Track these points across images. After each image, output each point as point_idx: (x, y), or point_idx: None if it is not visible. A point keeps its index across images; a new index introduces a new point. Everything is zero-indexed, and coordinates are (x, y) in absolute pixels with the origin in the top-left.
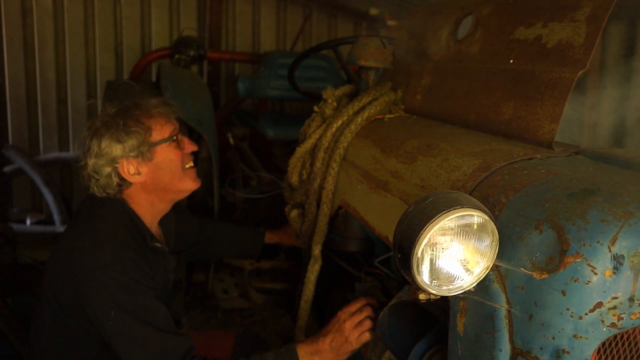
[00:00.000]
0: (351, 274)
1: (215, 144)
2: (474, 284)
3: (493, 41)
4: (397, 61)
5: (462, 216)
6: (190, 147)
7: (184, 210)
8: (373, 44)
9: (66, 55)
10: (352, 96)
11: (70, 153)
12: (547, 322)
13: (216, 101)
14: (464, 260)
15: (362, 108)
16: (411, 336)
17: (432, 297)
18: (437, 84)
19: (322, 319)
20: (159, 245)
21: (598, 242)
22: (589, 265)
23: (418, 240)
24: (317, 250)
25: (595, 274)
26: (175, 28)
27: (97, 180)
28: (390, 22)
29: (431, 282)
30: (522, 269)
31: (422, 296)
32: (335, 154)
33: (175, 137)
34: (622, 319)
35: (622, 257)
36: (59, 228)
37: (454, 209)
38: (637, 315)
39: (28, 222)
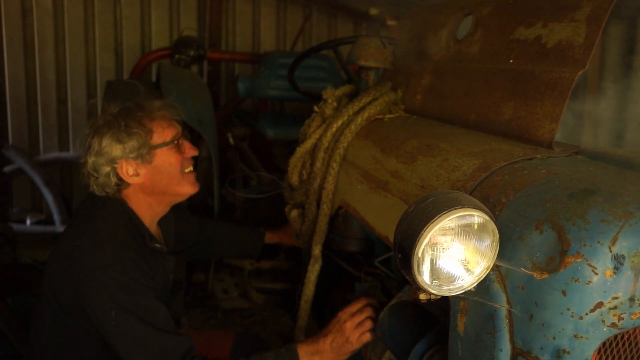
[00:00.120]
0: (351, 274)
1: (215, 144)
2: (475, 284)
3: (493, 41)
4: (397, 61)
5: (463, 216)
6: (191, 151)
7: (184, 211)
8: (373, 44)
9: (66, 55)
10: (352, 96)
11: (70, 153)
12: (547, 322)
13: (216, 101)
14: (465, 260)
15: (362, 108)
16: (411, 336)
17: (433, 297)
18: (437, 84)
19: (322, 319)
20: (158, 245)
21: (598, 242)
22: (589, 265)
23: (418, 240)
24: (317, 250)
25: (596, 274)
26: (175, 28)
27: (96, 178)
28: (390, 22)
29: (432, 282)
30: (522, 269)
31: (422, 296)
32: (335, 154)
33: (176, 141)
34: (623, 319)
35: (623, 257)
36: (59, 228)
37: (455, 209)
38: (638, 315)
39: (28, 222)
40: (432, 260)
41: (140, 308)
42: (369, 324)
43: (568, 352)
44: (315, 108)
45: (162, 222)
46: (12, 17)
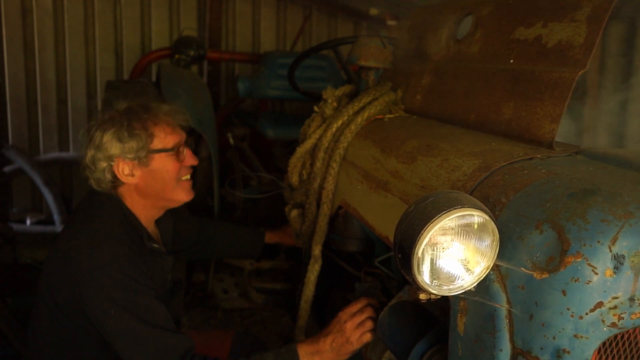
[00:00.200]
0: (351, 274)
1: (215, 144)
2: (475, 284)
3: (493, 41)
4: (397, 61)
5: (463, 216)
6: (190, 160)
7: (184, 210)
8: (373, 44)
9: (66, 55)
10: (352, 96)
11: (70, 153)
12: (547, 322)
13: (216, 101)
14: (465, 260)
15: (362, 108)
16: (411, 336)
17: (433, 297)
18: (437, 84)
19: (322, 319)
20: (156, 245)
21: (598, 241)
22: (589, 265)
23: (418, 240)
24: (317, 250)
25: (596, 273)
26: (175, 28)
27: (93, 172)
28: (390, 22)
29: (432, 282)
30: (522, 268)
31: (422, 296)
32: (335, 154)
33: (176, 149)
34: (623, 318)
35: (623, 256)
36: (59, 228)
37: (455, 209)
38: (638, 315)
39: (28, 222)
40: (432, 260)
41: (139, 307)
42: (369, 324)
43: (568, 352)
44: (315, 108)
45: (160, 222)
46: (12, 17)
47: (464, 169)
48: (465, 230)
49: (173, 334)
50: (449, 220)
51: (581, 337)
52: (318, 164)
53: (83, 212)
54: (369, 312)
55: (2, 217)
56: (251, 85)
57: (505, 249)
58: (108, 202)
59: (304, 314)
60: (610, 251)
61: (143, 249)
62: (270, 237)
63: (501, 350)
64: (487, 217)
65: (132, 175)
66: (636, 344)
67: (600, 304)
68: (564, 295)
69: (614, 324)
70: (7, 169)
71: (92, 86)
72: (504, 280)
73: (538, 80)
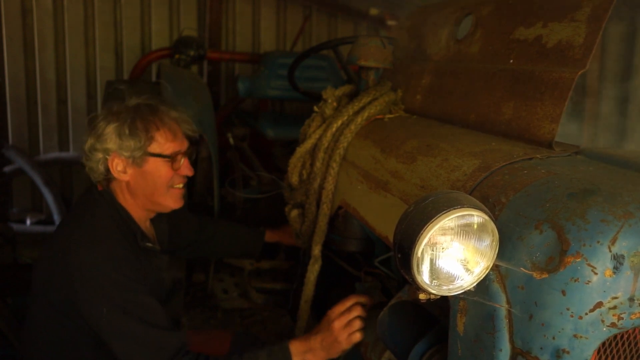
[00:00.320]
0: (351, 274)
1: (215, 144)
2: (474, 284)
3: (493, 41)
4: (397, 61)
5: (462, 216)
6: (186, 170)
7: (184, 209)
8: (373, 44)
9: (66, 55)
10: (352, 96)
11: (70, 153)
12: (547, 322)
13: (216, 101)
14: (464, 260)
15: (362, 108)
16: (411, 336)
17: (432, 297)
18: (437, 84)
19: (322, 319)
20: (149, 244)
21: (598, 242)
22: (589, 265)
23: (418, 240)
24: (317, 250)
25: (595, 273)
26: (175, 28)
27: (88, 160)
28: (390, 22)
29: (431, 282)
30: (522, 268)
31: (422, 296)
32: (335, 154)
33: (173, 157)
34: (622, 318)
35: (622, 257)
36: None
37: (454, 209)
38: (637, 315)
39: (28, 222)
40: (431, 260)
41: (132, 304)
42: (357, 324)
43: (568, 352)
44: (315, 108)
45: (155, 221)
46: (12, 17)
47: (463, 169)
48: (465, 230)
49: (166, 331)
50: (449, 220)
51: (581, 337)
52: (318, 164)
53: (78, 211)
54: (357, 312)
55: (2, 217)
56: (251, 85)
57: (505, 249)
58: (103, 201)
59: (304, 314)
60: (610, 251)
61: (136, 247)
62: (270, 236)
63: (501, 350)
64: (486, 217)
65: (125, 172)
66: (636, 344)
67: (599, 304)
68: (564, 295)
69: (613, 324)
70: (7, 169)
71: (92, 86)
72: (503, 280)
73: (538, 80)
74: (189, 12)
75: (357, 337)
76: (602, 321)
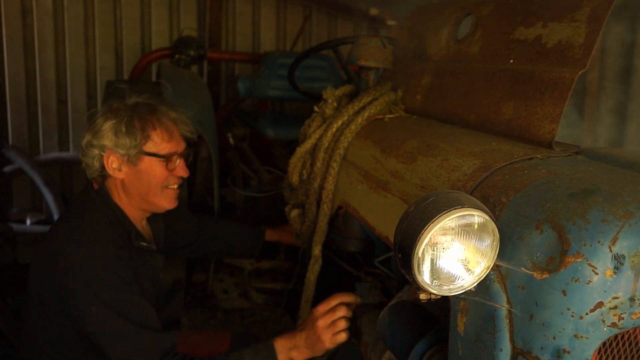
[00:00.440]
0: (351, 274)
1: (215, 144)
2: (475, 284)
3: (493, 41)
4: (397, 61)
5: (463, 216)
6: (181, 172)
7: (183, 209)
8: (373, 44)
9: (66, 55)
10: (352, 96)
11: (70, 153)
12: (547, 322)
13: (216, 101)
14: (465, 260)
15: (362, 108)
16: (411, 336)
17: (433, 297)
18: (437, 84)
19: None
20: (144, 244)
21: (599, 242)
22: (589, 265)
23: (419, 240)
24: (317, 250)
25: (596, 273)
26: (175, 28)
27: (85, 156)
28: (390, 22)
29: (432, 282)
30: (522, 268)
31: (422, 296)
32: (335, 154)
33: (168, 157)
34: (623, 318)
35: (623, 257)
36: None
37: (455, 209)
38: (638, 315)
39: (28, 222)
40: (432, 260)
41: (122, 304)
42: (342, 324)
43: (568, 352)
44: (315, 108)
45: (151, 220)
46: (12, 17)
47: (464, 169)
48: (466, 231)
49: (155, 333)
50: (449, 220)
51: (581, 337)
52: (318, 164)
53: (73, 210)
54: (342, 312)
55: (2, 217)
56: (251, 85)
57: (506, 249)
58: (98, 199)
59: (304, 314)
60: (611, 251)
61: (131, 246)
62: (270, 235)
63: (501, 350)
64: (487, 217)
65: (120, 170)
66: (636, 344)
67: (600, 304)
68: (564, 295)
69: (614, 324)
70: (7, 169)
71: (92, 86)
72: (504, 280)
73: (538, 80)
74: (189, 12)
75: (342, 337)
76: (603, 321)
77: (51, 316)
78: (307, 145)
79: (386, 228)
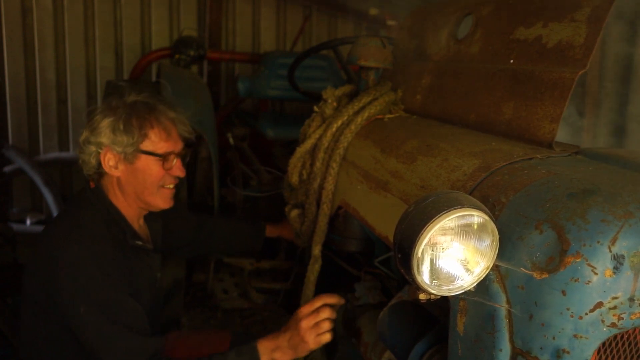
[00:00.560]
0: (351, 274)
1: (215, 144)
2: (474, 284)
3: (493, 41)
4: (397, 61)
5: (463, 216)
6: (178, 171)
7: (181, 208)
8: (373, 44)
9: (66, 55)
10: (352, 96)
11: (70, 153)
12: (547, 322)
13: (216, 101)
14: (464, 260)
15: (362, 108)
16: (411, 336)
17: (433, 297)
18: (437, 84)
19: None
20: (139, 243)
21: (598, 242)
22: (589, 265)
23: (418, 240)
24: (317, 250)
25: (596, 273)
26: (175, 28)
27: (82, 152)
28: (390, 22)
29: (431, 282)
30: (522, 268)
31: (422, 296)
32: (335, 154)
33: (164, 156)
34: (622, 318)
35: (622, 257)
36: None
37: (454, 209)
38: (637, 315)
39: (28, 222)
40: (431, 260)
41: (110, 305)
42: (326, 326)
43: (568, 352)
44: (315, 108)
45: (149, 219)
46: (12, 17)
47: (463, 169)
48: (465, 231)
49: (141, 336)
50: (449, 221)
51: (581, 337)
52: (318, 164)
53: (68, 208)
54: (326, 313)
55: (2, 217)
56: (251, 85)
57: (505, 249)
58: (94, 198)
59: None
60: (610, 251)
61: (125, 245)
62: (270, 231)
63: (501, 350)
64: (486, 217)
65: (116, 168)
66: (636, 344)
67: (600, 304)
68: (564, 295)
69: (613, 324)
70: (7, 169)
71: (92, 86)
72: (503, 280)
73: (538, 80)
74: (189, 12)
75: (326, 338)
76: (602, 321)
77: (45, 314)
78: (307, 145)
79: (386, 228)
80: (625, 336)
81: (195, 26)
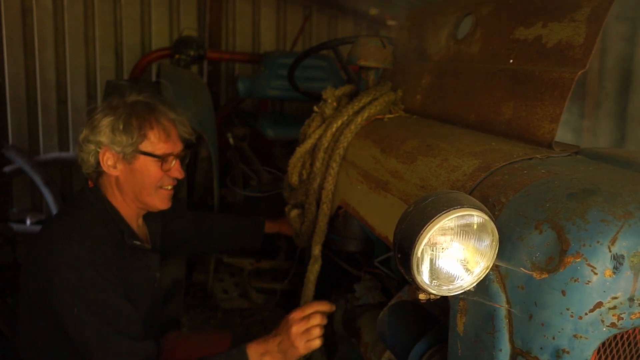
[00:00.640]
0: (351, 274)
1: (215, 144)
2: (474, 284)
3: (493, 41)
4: (397, 61)
5: (462, 216)
6: (176, 173)
7: (180, 206)
8: (373, 44)
9: (66, 55)
10: (352, 96)
11: (70, 153)
12: (547, 322)
13: (216, 101)
14: (464, 260)
15: (362, 108)
16: (411, 336)
17: (432, 297)
18: (437, 84)
19: None
20: (138, 243)
21: (598, 242)
22: (588, 265)
23: (418, 240)
24: (317, 250)
25: (595, 273)
26: (175, 28)
27: (81, 151)
28: (390, 22)
29: (431, 282)
30: (522, 268)
31: (422, 296)
32: (335, 154)
33: (163, 158)
34: (622, 318)
35: (622, 257)
36: None
37: (454, 209)
38: (637, 315)
39: (28, 222)
40: (431, 260)
41: (103, 308)
42: (316, 332)
43: (567, 352)
44: (315, 108)
45: (148, 219)
46: (12, 16)
47: (463, 169)
48: (465, 231)
49: (133, 341)
50: (449, 221)
51: (581, 337)
52: (318, 164)
53: (67, 208)
54: (316, 320)
55: (2, 217)
56: (251, 85)
57: (505, 249)
58: (92, 198)
59: None
60: (610, 251)
61: (123, 245)
62: (270, 227)
63: (501, 350)
64: (486, 217)
65: (115, 167)
66: (635, 344)
67: (599, 304)
68: (564, 295)
69: (613, 324)
70: (7, 169)
71: (92, 86)
72: (503, 280)
73: (538, 80)
74: (189, 12)
75: (316, 344)
76: (602, 321)
77: (42, 314)
78: (307, 145)
79: (386, 228)
80: (625, 336)
81: (195, 26)
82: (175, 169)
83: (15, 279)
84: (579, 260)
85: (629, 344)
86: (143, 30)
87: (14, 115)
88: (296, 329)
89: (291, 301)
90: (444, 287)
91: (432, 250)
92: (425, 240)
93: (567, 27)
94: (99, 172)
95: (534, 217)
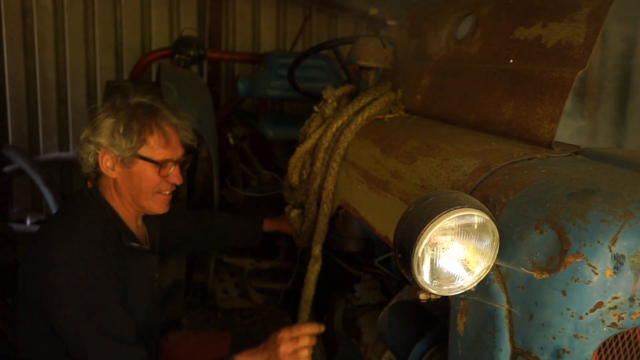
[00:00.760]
0: (351, 274)
1: (215, 144)
2: (475, 284)
3: (493, 41)
4: (397, 61)
5: (463, 216)
6: (174, 179)
7: (181, 206)
8: (373, 44)
9: (66, 55)
10: (352, 96)
11: (70, 153)
12: (547, 322)
13: (216, 101)
14: (465, 260)
15: (362, 108)
16: (411, 336)
17: (433, 297)
18: (437, 84)
19: (322, 319)
20: (136, 244)
21: (598, 242)
22: (589, 265)
23: (418, 240)
24: (317, 250)
25: (596, 273)
26: (175, 28)
27: (81, 150)
28: (390, 22)
29: (432, 282)
30: (522, 268)
31: (422, 296)
32: (335, 154)
33: (162, 164)
34: (623, 318)
35: (623, 257)
36: None
37: (455, 209)
38: (638, 315)
39: (28, 222)
40: (432, 260)
41: (97, 311)
42: (304, 354)
43: (568, 352)
44: (315, 108)
45: (147, 220)
46: (12, 16)
47: (464, 169)
48: (465, 231)
49: (126, 346)
50: (449, 221)
51: (581, 337)
52: (318, 164)
53: (65, 208)
54: (305, 341)
55: (2, 217)
56: (251, 85)
57: (505, 249)
58: (91, 199)
59: (304, 314)
60: (610, 251)
61: (121, 247)
62: (269, 225)
63: (501, 350)
64: (487, 217)
65: (113, 169)
66: (636, 344)
67: (600, 304)
68: (564, 295)
69: (614, 324)
70: (7, 169)
71: (92, 86)
72: (504, 280)
73: (538, 80)
74: (189, 12)
75: None
76: (603, 321)
77: (40, 314)
78: (307, 145)
79: (386, 228)
80: (626, 336)
81: (195, 26)
82: (174, 175)
83: (15, 279)
84: (579, 260)
85: (630, 344)
86: (143, 30)
87: (14, 115)
88: (284, 349)
89: (292, 301)
90: (445, 287)
91: (433, 250)
92: (425, 240)
93: (567, 27)
94: (97, 172)
95: (534, 217)
